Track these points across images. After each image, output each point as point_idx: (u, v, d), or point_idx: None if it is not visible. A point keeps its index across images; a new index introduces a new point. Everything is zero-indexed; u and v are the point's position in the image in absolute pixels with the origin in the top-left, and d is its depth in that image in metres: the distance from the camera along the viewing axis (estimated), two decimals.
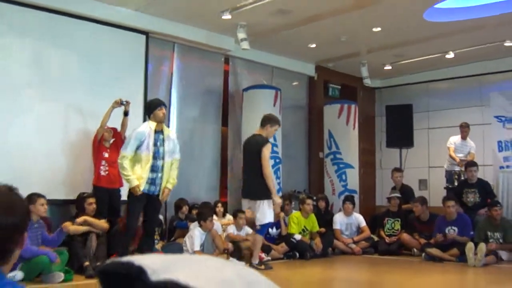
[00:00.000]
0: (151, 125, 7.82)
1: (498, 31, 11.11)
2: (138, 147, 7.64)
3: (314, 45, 12.21)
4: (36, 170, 8.65)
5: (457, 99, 13.76)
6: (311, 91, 14.02)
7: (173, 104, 11.07)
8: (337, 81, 14.60)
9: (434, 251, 9.88)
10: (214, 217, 9.65)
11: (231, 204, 11.48)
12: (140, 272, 0.75)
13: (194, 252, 8.69)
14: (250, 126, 11.04)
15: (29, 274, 6.78)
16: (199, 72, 11.51)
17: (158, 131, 7.85)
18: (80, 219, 8.01)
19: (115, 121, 9.10)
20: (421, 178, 14.11)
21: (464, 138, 11.95)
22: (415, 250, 10.52)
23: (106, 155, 8.94)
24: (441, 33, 11.19)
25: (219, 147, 11.91)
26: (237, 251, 9.35)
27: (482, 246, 9.29)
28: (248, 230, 9.78)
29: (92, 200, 8.34)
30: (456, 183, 11.47)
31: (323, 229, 10.79)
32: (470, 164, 11.09)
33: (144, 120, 8.04)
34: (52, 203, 8.33)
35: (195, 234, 8.91)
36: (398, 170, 12.42)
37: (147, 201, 7.82)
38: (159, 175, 7.79)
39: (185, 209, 10.17)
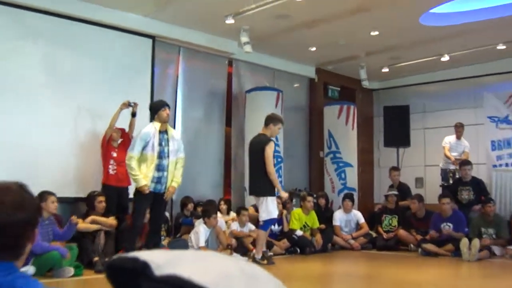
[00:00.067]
0: (155, 125, 7.83)
1: (491, 35, 11.09)
2: (143, 148, 7.66)
3: (314, 49, 12.21)
4: (47, 169, 8.67)
5: (452, 100, 13.75)
6: (312, 93, 14.02)
7: (179, 105, 11.08)
8: (336, 83, 14.59)
9: (430, 246, 9.89)
10: (218, 214, 9.65)
11: (235, 202, 11.49)
12: (144, 267, 0.75)
13: (199, 248, 8.68)
14: (253, 126, 11.04)
15: (40, 269, 6.78)
16: (204, 75, 11.51)
17: (163, 131, 7.86)
18: (88, 220, 8.04)
19: (123, 122, 9.12)
20: (417, 177, 14.10)
21: (458, 137, 11.96)
22: (411, 245, 10.53)
23: (115, 154, 8.95)
24: (437, 37, 11.19)
25: (223, 146, 11.91)
26: (240, 247, 9.36)
27: (476, 241, 9.29)
28: (251, 226, 9.79)
29: (101, 198, 8.36)
30: (451, 181, 11.47)
31: (323, 226, 10.80)
32: (465, 163, 11.09)
33: (151, 121, 8.03)
34: (62, 200, 8.34)
35: (200, 231, 8.90)
36: (396, 169, 12.44)
37: (153, 199, 7.82)
38: (165, 174, 7.80)
39: (190, 206, 10.18)
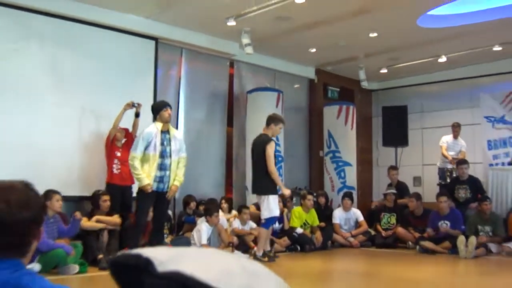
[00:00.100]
0: (157, 125, 7.82)
1: (487, 37, 11.10)
2: (146, 148, 7.66)
3: (314, 50, 12.21)
4: (52, 168, 8.67)
5: (449, 100, 13.75)
6: (312, 93, 14.01)
7: (181, 106, 11.08)
8: (336, 83, 14.58)
9: (428, 244, 9.89)
10: (220, 212, 9.65)
11: (236, 200, 11.48)
12: (147, 263, 0.75)
13: (202, 246, 8.70)
14: (254, 126, 11.05)
15: (46, 266, 6.80)
16: (206, 76, 11.52)
17: (165, 131, 7.86)
18: (93, 219, 8.07)
19: (126, 122, 9.12)
20: (415, 175, 14.09)
21: (455, 137, 11.95)
22: (410, 243, 10.52)
23: (118, 154, 8.95)
24: (434, 39, 11.18)
25: (225, 146, 11.91)
26: (242, 244, 9.37)
27: (473, 239, 9.29)
28: (252, 224, 9.79)
29: (106, 197, 8.36)
30: (448, 180, 11.47)
31: (323, 224, 10.80)
32: (462, 162, 11.10)
33: (154, 121, 8.03)
34: (67, 199, 8.34)
35: (202, 229, 8.91)
36: (394, 168, 12.45)
37: (156, 198, 7.82)
38: (167, 173, 7.80)
39: (192, 205, 10.18)
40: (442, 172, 11.85)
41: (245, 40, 10.43)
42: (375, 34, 10.98)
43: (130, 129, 9.17)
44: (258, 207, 9.61)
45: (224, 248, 8.88)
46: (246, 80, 12.44)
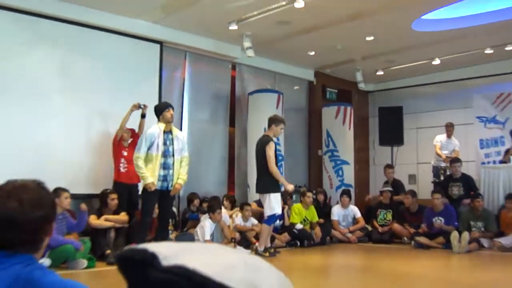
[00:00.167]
0: (160, 126, 7.82)
1: (479, 40, 11.09)
2: (149, 148, 7.66)
3: (313, 53, 12.21)
4: (61, 167, 8.68)
5: (443, 101, 13.74)
6: (311, 95, 14.01)
7: (185, 107, 11.08)
8: (334, 85, 14.58)
9: (423, 239, 9.89)
10: (223, 209, 9.64)
11: (238, 198, 11.46)
12: (153, 258, 0.75)
13: (205, 241, 8.69)
14: (255, 127, 11.11)
15: (55, 261, 6.81)
16: (209, 78, 11.52)
17: (167, 132, 7.85)
18: (102, 218, 8.08)
19: (133, 123, 9.13)
20: (410, 173, 14.09)
21: (449, 136, 11.95)
22: (405, 238, 10.53)
23: (125, 153, 8.96)
24: (428, 42, 11.18)
25: (227, 146, 11.91)
26: (244, 240, 9.37)
27: (466, 234, 9.31)
28: (254, 221, 9.80)
29: (114, 196, 8.36)
30: (442, 178, 11.47)
31: (322, 220, 10.81)
32: (455, 161, 11.10)
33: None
34: (76, 197, 8.33)
35: (206, 225, 8.91)
36: (390, 166, 12.44)
37: (160, 196, 7.83)
38: (170, 172, 7.79)
39: (196, 202, 10.18)
40: (436, 170, 11.85)
41: (247, 43, 10.44)
42: (372, 38, 10.98)
43: (137, 130, 9.18)
44: (259, 204, 9.63)
45: (226, 244, 8.88)
46: (247, 82, 12.44)
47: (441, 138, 12.00)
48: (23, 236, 1.83)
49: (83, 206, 7.69)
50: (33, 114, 8.62)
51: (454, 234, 9.33)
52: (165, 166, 7.75)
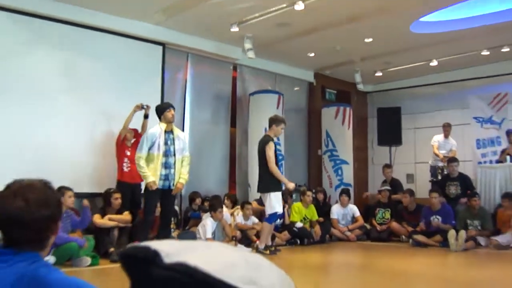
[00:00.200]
0: (161, 126, 7.83)
1: (476, 42, 11.09)
2: (150, 147, 7.67)
3: (312, 54, 12.21)
4: (65, 166, 8.68)
5: (440, 102, 13.75)
6: (310, 95, 14.01)
7: (187, 108, 11.08)
8: (333, 86, 14.58)
9: (420, 237, 9.89)
10: (224, 208, 9.64)
11: (239, 197, 11.46)
12: (155, 255, 0.75)
13: (207, 239, 8.69)
14: (256, 127, 11.12)
15: (60, 259, 6.81)
16: (210, 79, 11.51)
17: (168, 131, 7.86)
18: (105, 218, 8.08)
19: (136, 123, 9.13)
20: (408, 173, 14.08)
21: (446, 136, 11.97)
22: (403, 237, 10.53)
23: (128, 153, 8.96)
24: (426, 43, 11.17)
25: (228, 145, 11.90)
26: (245, 238, 9.36)
27: (463, 233, 9.31)
28: (255, 219, 9.80)
29: (117, 195, 8.36)
30: (439, 177, 11.48)
31: (321, 219, 10.82)
32: (452, 160, 11.10)
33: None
34: (79, 196, 8.35)
35: (207, 224, 8.91)
36: (388, 166, 12.45)
37: (162, 195, 7.83)
38: (172, 171, 7.79)
39: (198, 201, 10.18)
40: (433, 170, 11.85)
41: (248, 45, 10.44)
42: (370, 40, 10.98)
43: (140, 130, 9.18)
44: (260, 203, 9.64)
45: (227, 242, 8.87)
46: (248, 83, 12.44)
47: (438, 138, 12.01)
48: (29, 235, 1.84)
49: (86, 202, 7.70)
50: (37, 114, 8.63)
51: (451, 233, 9.33)
52: (166, 166, 7.75)
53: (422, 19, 10.06)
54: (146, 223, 7.93)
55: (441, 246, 9.62)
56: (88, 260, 7.07)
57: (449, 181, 10.99)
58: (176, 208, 9.64)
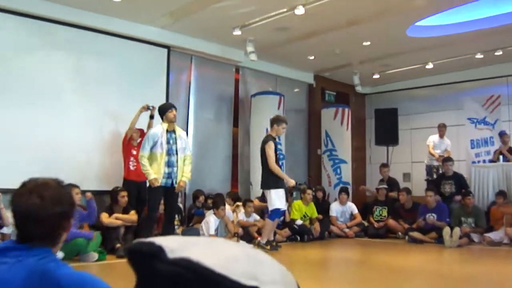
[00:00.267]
0: (163, 126, 7.83)
1: (470, 45, 11.10)
2: (153, 147, 7.66)
3: (312, 57, 12.21)
4: (73, 164, 8.71)
5: (436, 103, 13.75)
6: (310, 97, 14.01)
7: (191, 108, 11.08)
8: (332, 88, 14.58)
9: (416, 234, 9.89)
10: (226, 205, 9.64)
11: (241, 194, 11.46)
12: (160, 250, 0.75)
13: (210, 236, 8.69)
14: (258, 127, 11.12)
15: (68, 254, 6.81)
16: (214, 81, 11.52)
17: (170, 131, 7.85)
18: (112, 217, 8.07)
19: (142, 123, 9.14)
20: (405, 172, 14.08)
21: (441, 137, 11.95)
22: (400, 233, 10.52)
23: (134, 152, 8.95)
24: (422, 47, 11.17)
25: (231, 145, 11.90)
26: (246, 235, 9.36)
27: (457, 230, 9.31)
28: (256, 216, 9.79)
29: (124, 193, 8.34)
30: (435, 176, 11.48)
31: (320, 216, 10.81)
32: (447, 160, 11.09)
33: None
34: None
35: (210, 220, 8.91)
36: (385, 165, 12.44)
37: (166, 193, 7.82)
38: (174, 169, 7.79)
39: (201, 198, 10.17)
40: (429, 169, 11.85)
41: (250, 48, 10.45)
42: (368, 43, 10.98)
43: (145, 130, 9.17)
44: (261, 200, 9.64)
45: (230, 238, 8.88)
46: (250, 84, 12.44)
47: (434, 138, 11.99)
48: (42, 230, 1.87)
49: (89, 194, 7.68)
50: (48, 114, 8.68)
51: (446, 230, 9.33)
52: (169, 164, 7.75)
53: (418, 23, 10.06)
54: (150, 219, 7.93)
55: (436, 242, 9.62)
56: (95, 255, 7.08)
57: (444, 179, 10.97)
58: (180, 205, 9.64)
